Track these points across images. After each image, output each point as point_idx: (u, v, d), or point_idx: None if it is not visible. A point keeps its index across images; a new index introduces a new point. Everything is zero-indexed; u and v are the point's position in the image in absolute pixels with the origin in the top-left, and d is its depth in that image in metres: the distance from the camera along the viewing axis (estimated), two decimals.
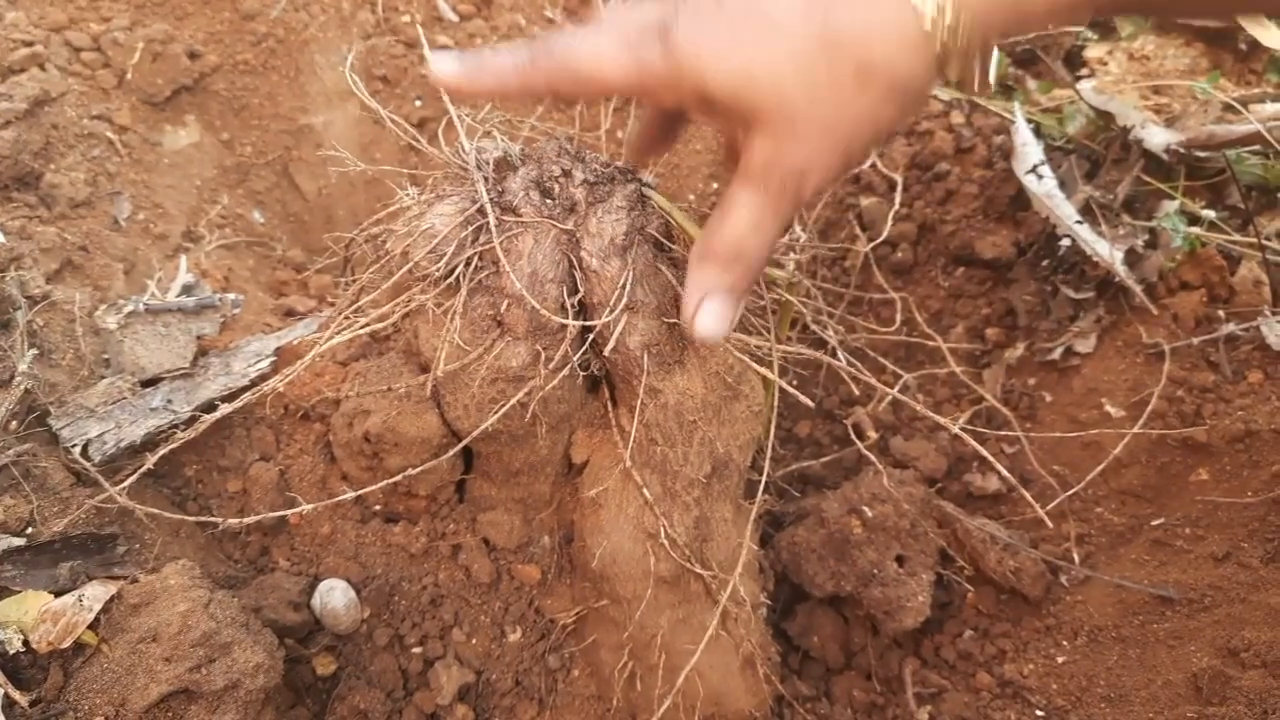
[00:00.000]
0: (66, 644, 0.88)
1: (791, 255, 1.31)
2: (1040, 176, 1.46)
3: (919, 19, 0.64)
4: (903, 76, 0.67)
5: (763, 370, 0.99)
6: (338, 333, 0.97)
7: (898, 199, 1.52)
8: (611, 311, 0.91)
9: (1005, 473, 0.96)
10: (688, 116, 0.92)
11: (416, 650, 1.11)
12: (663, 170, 1.76)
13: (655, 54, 0.70)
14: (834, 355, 1.05)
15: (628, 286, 0.91)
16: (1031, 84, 1.67)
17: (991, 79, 0.70)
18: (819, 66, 0.66)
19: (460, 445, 1.01)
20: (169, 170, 1.55)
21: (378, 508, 1.15)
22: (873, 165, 1.62)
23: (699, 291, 0.77)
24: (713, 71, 0.68)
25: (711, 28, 0.68)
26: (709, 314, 0.77)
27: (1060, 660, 1.16)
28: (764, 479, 1.04)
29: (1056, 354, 1.42)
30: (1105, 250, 1.38)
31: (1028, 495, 0.91)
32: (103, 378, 1.13)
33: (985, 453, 0.89)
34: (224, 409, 0.98)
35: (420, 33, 1.42)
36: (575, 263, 0.94)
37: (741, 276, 0.77)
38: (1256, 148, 1.40)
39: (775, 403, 1.04)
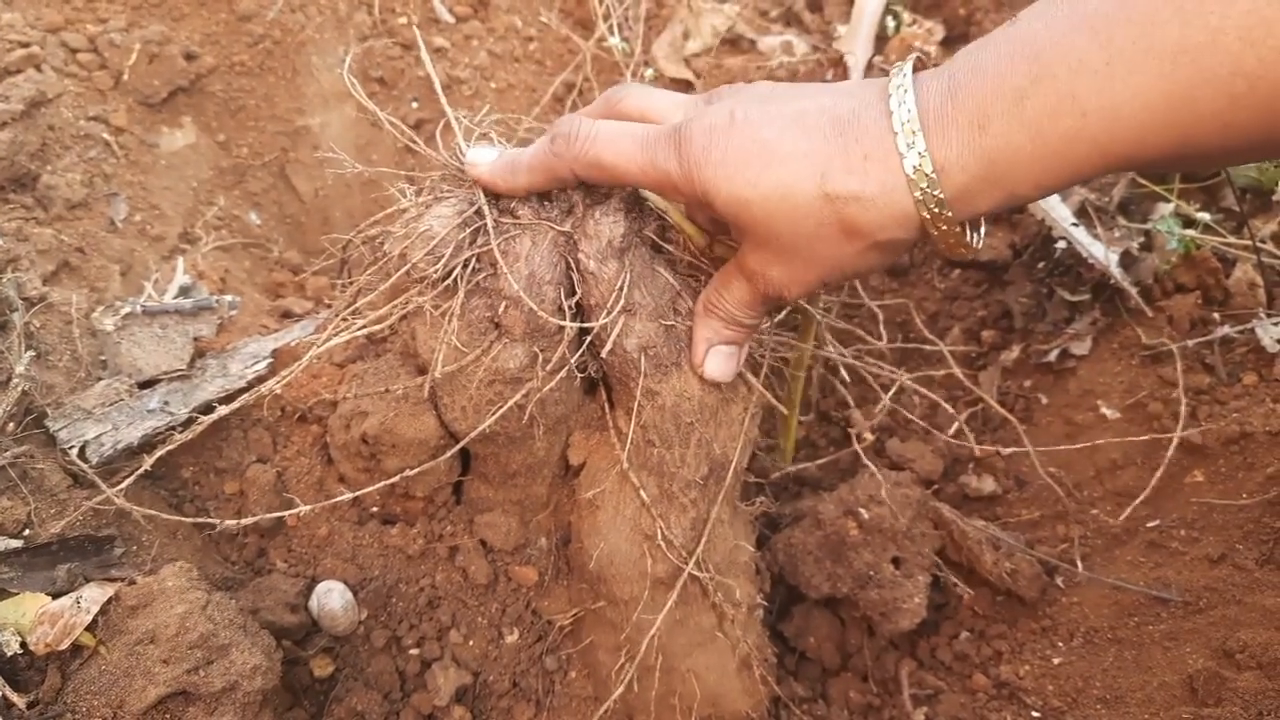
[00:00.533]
0: (64, 646, 0.88)
1: None
2: None
3: (908, 195, 0.69)
4: (886, 239, 0.72)
5: (752, 379, 1.00)
6: (335, 334, 0.97)
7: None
8: (609, 313, 0.92)
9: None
10: None
11: (414, 652, 1.11)
12: None
13: (671, 162, 0.77)
14: (830, 361, 1.06)
15: (625, 289, 0.92)
16: None
17: (978, 246, 0.76)
18: (809, 214, 0.72)
19: (458, 447, 1.01)
20: (165, 172, 1.55)
21: (375, 509, 1.15)
22: None
23: (705, 342, 0.90)
24: (714, 190, 0.75)
25: (720, 151, 0.74)
26: (716, 360, 0.91)
27: (1056, 661, 1.16)
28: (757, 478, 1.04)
29: (1052, 356, 1.43)
30: (1101, 252, 1.38)
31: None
32: (100, 379, 1.13)
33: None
34: (221, 411, 0.98)
35: (418, 34, 1.42)
36: (573, 265, 0.94)
37: (740, 335, 0.90)
38: None
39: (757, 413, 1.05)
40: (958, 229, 0.71)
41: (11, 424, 1.03)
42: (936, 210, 0.69)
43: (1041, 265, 1.49)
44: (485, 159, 0.90)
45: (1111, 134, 0.63)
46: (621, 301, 0.92)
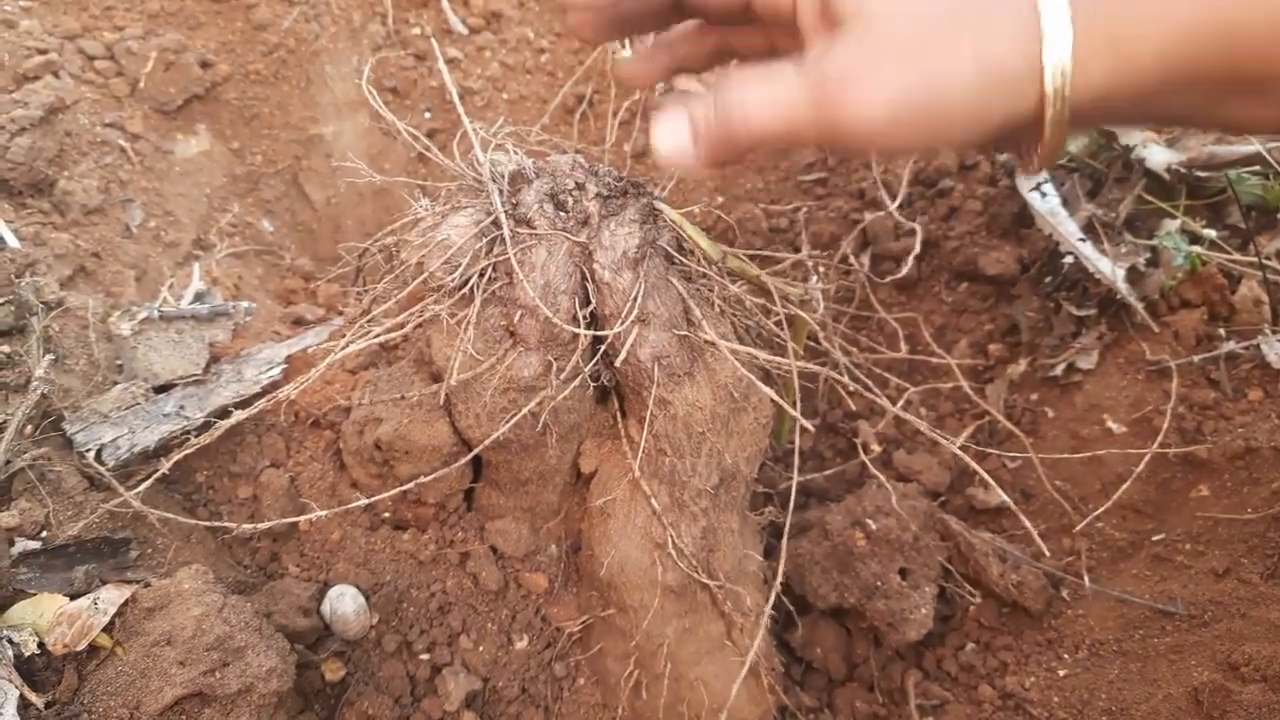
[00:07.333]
0: (81, 647, 0.89)
1: (814, 279, 1.32)
2: (1043, 194, 1.48)
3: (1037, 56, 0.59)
4: (997, 73, 0.60)
5: (767, 390, 1.01)
6: (353, 341, 0.98)
7: (920, 215, 1.53)
8: (623, 323, 0.93)
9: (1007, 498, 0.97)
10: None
11: (424, 657, 1.12)
12: (668, 184, 1.78)
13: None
14: (839, 370, 1.07)
15: (639, 299, 0.93)
16: None
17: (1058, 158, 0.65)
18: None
19: (471, 454, 1.02)
20: (180, 178, 1.57)
21: (387, 515, 1.16)
22: (877, 181, 1.63)
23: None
24: None
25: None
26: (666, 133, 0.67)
27: (1061, 673, 1.17)
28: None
29: (1059, 370, 1.44)
30: (1107, 268, 1.39)
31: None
32: (116, 383, 1.14)
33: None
34: (237, 416, 0.99)
35: (434, 45, 1.44)
36: (588, 275, 0.95)
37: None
38: (1257, 168, 1.41)
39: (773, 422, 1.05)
40: (1059, 126, 0.60)
41: (30, 426, 1.04)
42: (1058, 80, 0.58)
43: (1048, 280, 1.50)
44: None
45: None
46: (635, 311, 0.93)
